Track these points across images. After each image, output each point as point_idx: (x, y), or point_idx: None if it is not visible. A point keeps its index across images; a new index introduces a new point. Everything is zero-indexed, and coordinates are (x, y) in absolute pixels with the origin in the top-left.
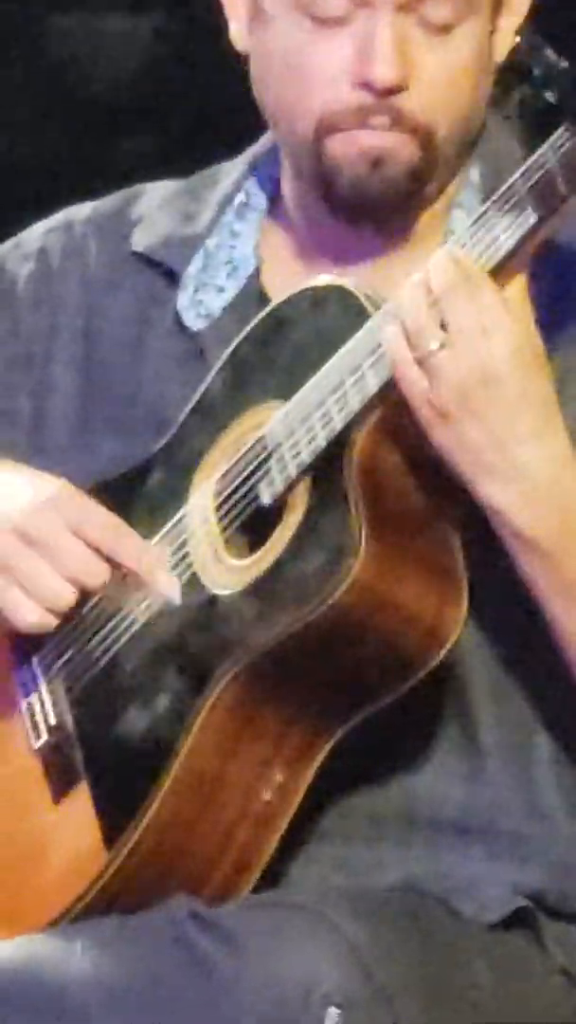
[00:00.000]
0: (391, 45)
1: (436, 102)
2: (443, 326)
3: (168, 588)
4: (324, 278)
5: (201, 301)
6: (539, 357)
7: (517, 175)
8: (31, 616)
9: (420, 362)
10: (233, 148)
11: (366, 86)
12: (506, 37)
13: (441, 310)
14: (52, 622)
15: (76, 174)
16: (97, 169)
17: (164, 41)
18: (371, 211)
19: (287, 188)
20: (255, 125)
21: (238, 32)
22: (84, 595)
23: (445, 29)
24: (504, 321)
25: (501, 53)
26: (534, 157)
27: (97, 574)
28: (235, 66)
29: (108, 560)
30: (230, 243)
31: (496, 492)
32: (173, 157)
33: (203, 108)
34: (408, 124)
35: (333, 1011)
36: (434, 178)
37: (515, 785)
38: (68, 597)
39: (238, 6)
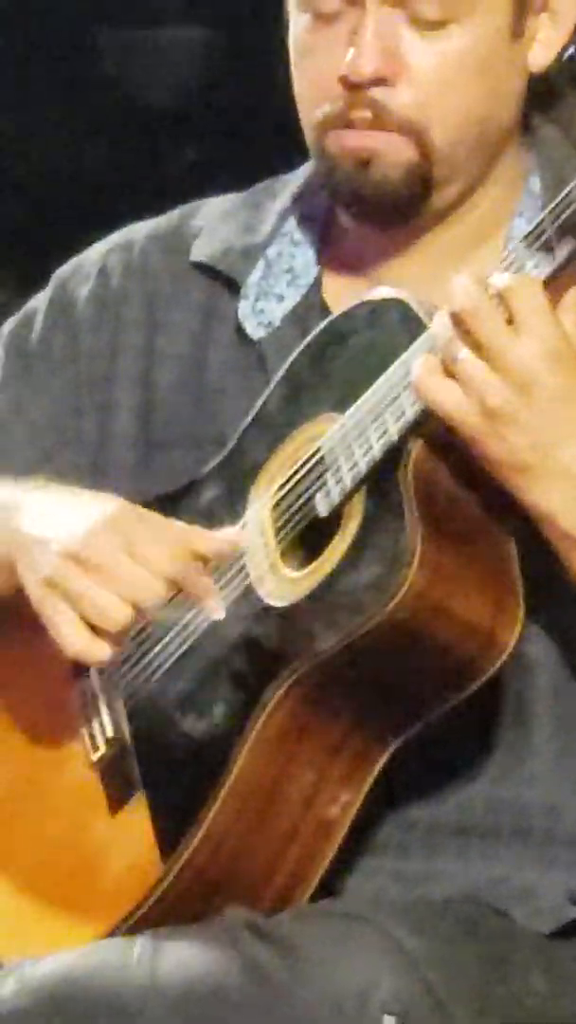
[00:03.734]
0: (370, 39)
1: (425, 99)
2: (472, 341)
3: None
4: (382, 291)
5: (262, 310)
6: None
7: (547, 211)
8: (76, 641)
9: (453, 376)
10: (288, 159)
11: (346, 80)
12: (548, 47)
13: (467, 327)
14: (99, 651)
15: (131, 187)
16: (152, 181)
17: (217, 52)
18: (373, 212)
19: None
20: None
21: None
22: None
23: (438, 25)
24: (533, 323)
25: (539, 62)
26: (561, 195)
27: (155, 595)
28: (286, 78)
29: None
30: (290, 252)
31: (542, 495)
32: (228, 169)
33: (257, 119)
34: (393, 121)
35: (389, 1019)
36: (445, 181)
37: (572, 790)
38: (124, 619)
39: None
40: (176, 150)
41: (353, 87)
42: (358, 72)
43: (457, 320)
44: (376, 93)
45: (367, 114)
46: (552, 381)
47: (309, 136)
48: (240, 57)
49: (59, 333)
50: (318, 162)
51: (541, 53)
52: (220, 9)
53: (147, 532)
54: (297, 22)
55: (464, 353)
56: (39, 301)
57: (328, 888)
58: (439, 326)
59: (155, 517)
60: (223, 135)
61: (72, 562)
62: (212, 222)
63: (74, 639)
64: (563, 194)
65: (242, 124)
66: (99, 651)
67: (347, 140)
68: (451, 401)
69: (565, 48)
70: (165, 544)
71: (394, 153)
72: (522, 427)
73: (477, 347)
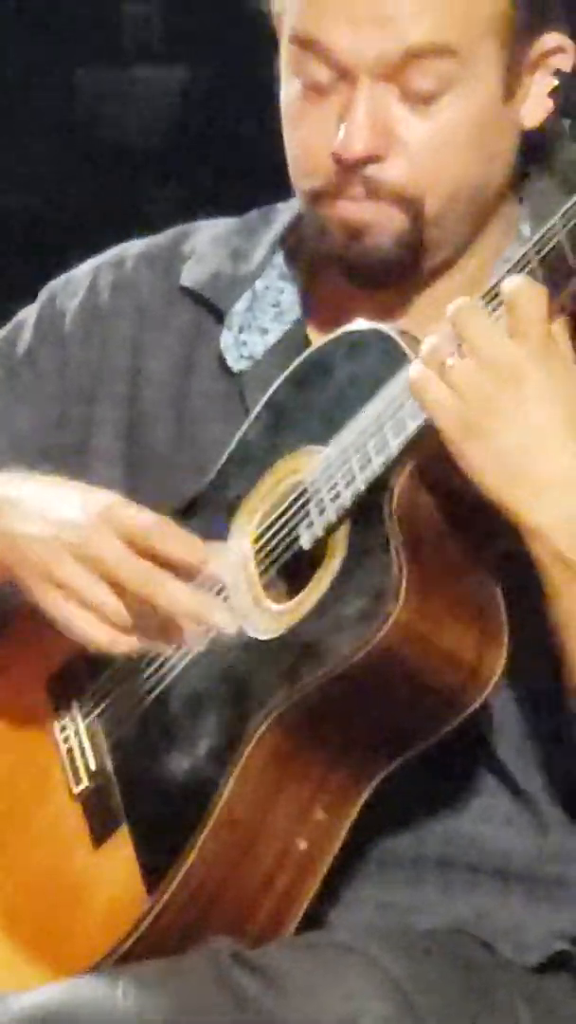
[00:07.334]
0: (362, 118)
1: (419, 173)
2: (463, 341)
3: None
4: (364, 322)
5: (245, 342)
6: (566, 361)
7: (528, 246)
8: (100, 635)
9: (442, 377)
10: (268, 197)
11: (338, 159)
12: (541, 103)
13: (459, 329)
14: (125, 641)
15: (106, 224)
16: (126, 219)
17: (193, 91)
18: (366, 277)
19: None
20: (283, 175)
21: None
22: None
23: (429, 98)
24: (527, 328)
25: (533, 118)
26: (544, 228)
27: (157, 583)
28: (263, 116)
29: (165, 566)
30: (278, 285)
31: (533, 508)
32: (202, 207)
33: (232, 158)
34: (387, 195)
35: None
36: (436, 245)
37: (555, 829)
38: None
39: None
40: (156, 189)
41: (345, 165)
42: (350, 151)
43: (452, 323)
44: (368, 170)
45: (360, 190)
46: (540, 377)
47: (301, 201)
48: (220, 96)
49: (47, 344)
50: (309, 225)
51: (534, 110)
52: (199, 48)
53: (143, 521)
54: (288, 86)
55: (454, 359)
56: (28, 313)
57: (313, 921)
58: (436, 336)
59: (149, 512)
60: (203, 174)
61: (70, 556)
62: (203, 246)
63: (96, 633)
64: (545, 228)
65: (221, 163)
66: (126, 643)
67: (340, 212)
68: (436, 399)
69: (558, 104)
70: (162, 533)
71: (387, 223)
72: (508, 423)
73: (469, 348)
